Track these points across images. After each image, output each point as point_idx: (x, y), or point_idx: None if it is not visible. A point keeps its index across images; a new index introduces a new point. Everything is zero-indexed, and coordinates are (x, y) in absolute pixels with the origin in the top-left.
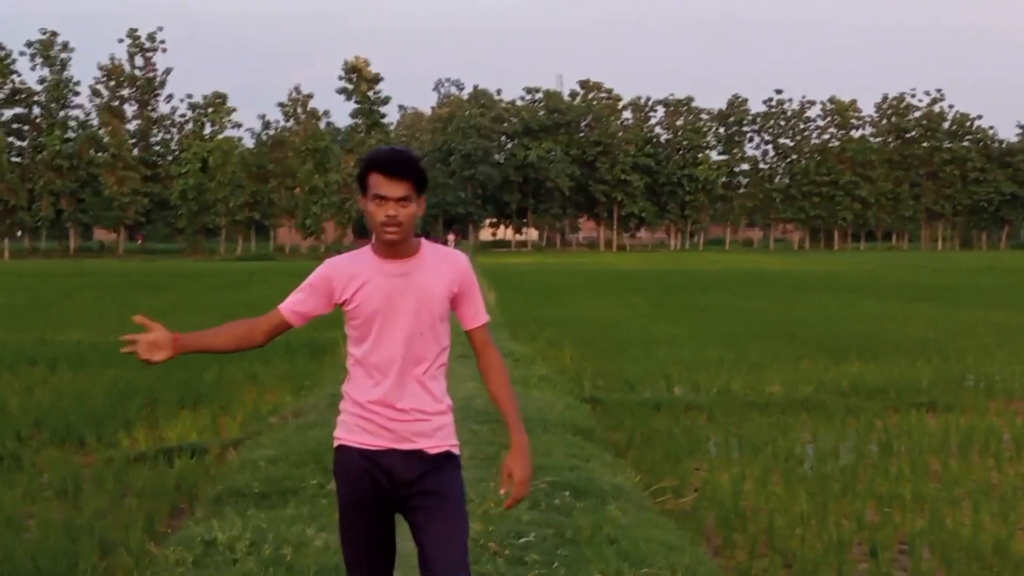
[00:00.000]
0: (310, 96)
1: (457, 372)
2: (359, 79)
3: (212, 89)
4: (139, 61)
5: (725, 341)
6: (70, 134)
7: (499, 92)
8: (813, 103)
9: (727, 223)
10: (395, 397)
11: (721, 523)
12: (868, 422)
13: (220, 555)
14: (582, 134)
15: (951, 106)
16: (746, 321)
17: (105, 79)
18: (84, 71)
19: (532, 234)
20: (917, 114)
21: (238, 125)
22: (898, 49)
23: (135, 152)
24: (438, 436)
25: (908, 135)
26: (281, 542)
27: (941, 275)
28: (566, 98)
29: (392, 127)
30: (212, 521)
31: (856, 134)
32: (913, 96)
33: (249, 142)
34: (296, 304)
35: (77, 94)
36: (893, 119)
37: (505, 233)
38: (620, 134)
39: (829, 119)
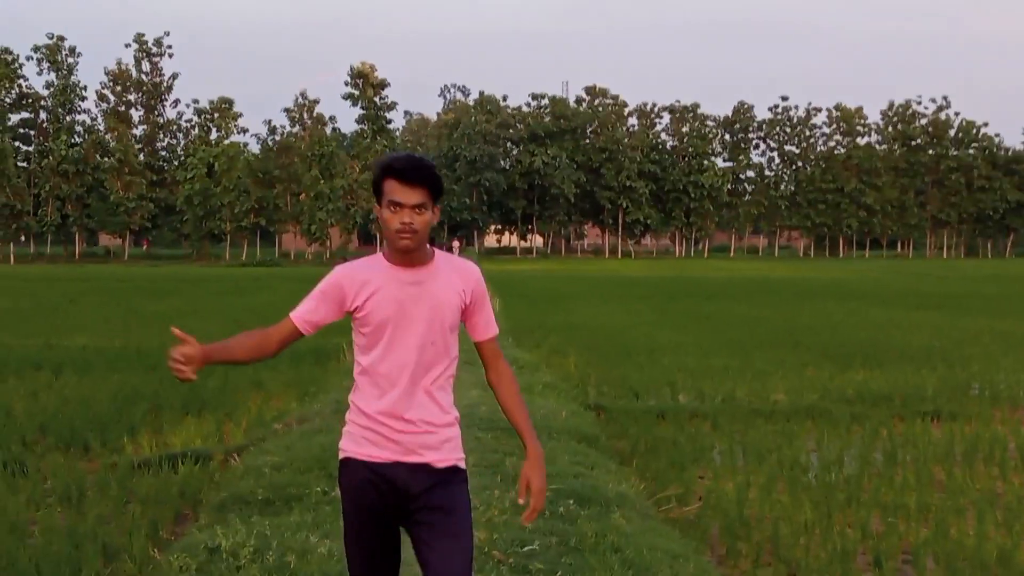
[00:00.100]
0: (316, 102)
1: (461, 379)
2: (365, 84)
3: (218, 94)
4: (146, 66)
5: (730, 349)
6: (76, 139)
7: (505, 98)
8: (819, 110)
9: (732, 230)
10: (403, 408)
11: (725, 532)
12: (873, 430)
13: (224, 562)
14: (587, 140)
15: (957, 113)
16: (751, 329)
17: (112, 84)
18: (91, 76)
19: (537, 240)
20: (923, 121)
21: (244, 130)
22: (904, 56)
23: (141, 157)
24: (445, 449)
25: (914, 142)
26: (285, 549)
27: (946, 283)
28: (572, 104)
29: (398, 133)
30: (216, 528)
31: (862, 141)
32: (919, 103)
33: (255, 148)
34: (307, 313)
35: (84, 99)
36: (899, 126)
37: (510, 239)
38: (626, 140)
39: (835, 126)
